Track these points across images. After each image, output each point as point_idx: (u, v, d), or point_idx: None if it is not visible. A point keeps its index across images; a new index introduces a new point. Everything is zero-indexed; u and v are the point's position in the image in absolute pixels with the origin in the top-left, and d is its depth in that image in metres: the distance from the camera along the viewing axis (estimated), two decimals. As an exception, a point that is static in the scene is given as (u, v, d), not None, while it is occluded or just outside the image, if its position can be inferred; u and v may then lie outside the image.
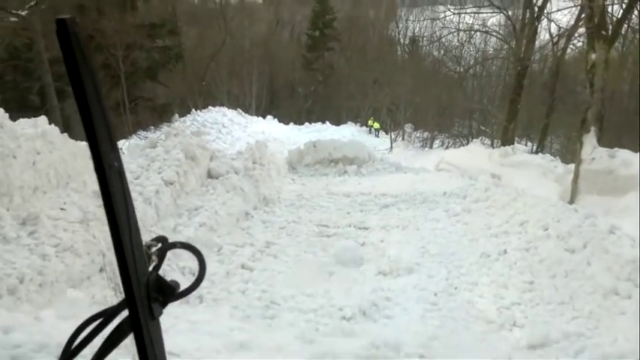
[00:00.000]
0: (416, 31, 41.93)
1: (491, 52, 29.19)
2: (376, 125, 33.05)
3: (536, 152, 20.09)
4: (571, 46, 22.41)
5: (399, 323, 5.14)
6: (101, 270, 5.07)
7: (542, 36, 22.80)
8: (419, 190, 10.60)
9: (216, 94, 36.37)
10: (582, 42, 17.98)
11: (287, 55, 45.17)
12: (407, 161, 17.26)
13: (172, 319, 3.82)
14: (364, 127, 34.50)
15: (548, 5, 19.74)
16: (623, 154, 11.22)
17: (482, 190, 10.09)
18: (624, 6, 13.97)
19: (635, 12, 16.10)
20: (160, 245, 0.81)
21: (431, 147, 29.19)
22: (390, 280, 6.29)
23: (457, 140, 29.51)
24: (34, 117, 6.73)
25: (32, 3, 11.65)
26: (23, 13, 9.01)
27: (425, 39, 36.14)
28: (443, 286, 6.12)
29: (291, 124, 33.94)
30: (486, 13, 23.47)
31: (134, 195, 6.80)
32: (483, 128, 29.04)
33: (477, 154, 17.59)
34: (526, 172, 13.90)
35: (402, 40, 44.92)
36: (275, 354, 3.62)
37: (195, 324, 4.04)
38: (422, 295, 5.86)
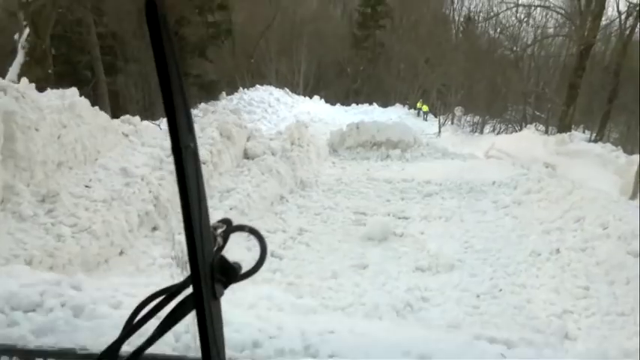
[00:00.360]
0: (472, 7, 40.22)
1: (551, 30, 27.51)
2: (425, 108, 32.02)
3: (595, 141, 18.83)
4: (640, 24, 20.82)
5: (434, 328, 4.68)
6: (121, 253, 4.83)
7: (609, 12, 21.26)
8: (466, 178, 9.98)
9: (264, 72, 36.18)
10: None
11: (337, 32, 44.36)
12: (455, 147, 16.52)
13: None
14: (412, 110, 33.55)
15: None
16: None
17: (535, 180, 9.40)
18: None
19: None
20: (225, 227, 0.82)
21: (481, 132, 28.02)
22: (428, 277, 5.82)
23: (509, 126, 28.19)
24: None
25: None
26: None
27: (481, 16, 34.56)
28: (487, 287, 5.59)
29: (338, 104, 33.43)
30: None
31: (165, 173, 6.58)
32: (538, 114, 27.62)
33: (530, 141, 16.60)
34: (584, 163, 12.93)
35: (456, 18, 43.27)
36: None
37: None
38: (462, 296, 5.36)
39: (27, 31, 8.00)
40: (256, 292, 3.84)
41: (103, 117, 6.57)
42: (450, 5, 43.95)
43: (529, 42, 27.32)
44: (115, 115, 16.14)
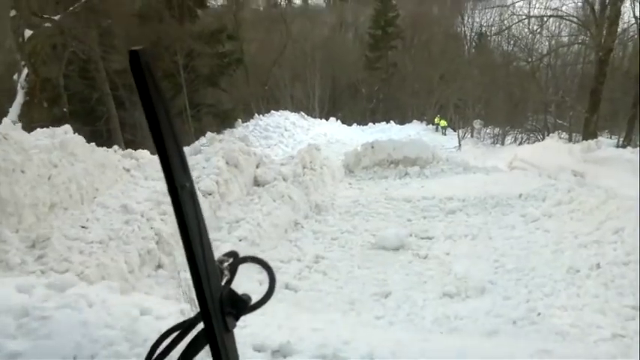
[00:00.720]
0: (483, 22, 39.86)
1: (565, 39, 26.92)
2: (443, 123, 31.55)
3: (624, 146, 18.11)
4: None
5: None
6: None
7: (626, 17, 20.66)
8: (490, 192, 9.45)
9: (279, 98, 36.35)
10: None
11: (350, 56, 44.50)
12: (476, 160, 15.97)
13: None
14: (430, 126, 33.12)
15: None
16: None
17: (565, 190, 8.84)
18: None
19: None
20: (231, 260, 0.84)
21: (502, 143, 27.39)
22: (457, 303, 5.30)
23: (531, 135, 27.52)
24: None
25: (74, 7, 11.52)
26: (56, 18, 8.75)
27: (493, 29, 34.12)
28: (523, 310, 5.04)
29: (355, 124, 33.18)
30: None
31: (168, 208, 6.23)
32: (560, 122, 26.93)
33: (554, 149, 15.98)
34: (614, 170, 12.27)
35: (467, 35, 43.01)
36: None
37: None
38: (497, 323, 4.83)
39: (25, 70, 7.88)
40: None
41: (101, 153, 6.26)
42: (460, 23, 43.79)
43: (544, 52, 26.79)
44: (128, 148, 16.17)
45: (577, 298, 5.26)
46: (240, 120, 27.60)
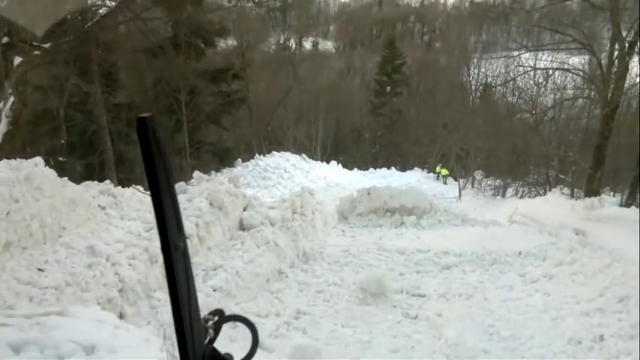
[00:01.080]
0: (488, 73, 40.17)
1: (570, 93, 26.87)
2: (444, 172, 31.28)
3: (628, 205, 17.68)
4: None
5: None
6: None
7: (633, 73, 20.58)
8: (488, 248, 9.01)
9: (282, 139, 36.34)
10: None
11: (355, 101, 44.85)
12: (476, 211, 15.58)
13: None
14: (432, 174, 32.87)
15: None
16: None
17: (567, 250, 8.39)
18: None
19: None
20: (216, 319, 0.86)
21: (503, 196, 26.97)
22: (445, 374, 4.81)
23: (533, 189, 27.15)
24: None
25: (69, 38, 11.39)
26: (46, 46, 8.60)
27: (498, 79, 34.26)
28: (518, 387, 4.56)
29: (356, 169, 33.01)
30: (566, 49, 21.63)
31: (138, 251, 5.82)
32: (562, 176, 26.60)
33: (556, 205, 15.55)
34: (618, 230, 11.78)
35: (473, 85, 43.32)
36: None
37: None
38: (488, 401, 4.35)
39: (12, 99, 7.65)
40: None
41: (73, 189, 5.88)
42: (466, 73, 44.21)
43: (548, 105, 26.71)
44: (120, 183, 15.84)
45: (579, 374, 4.78)
46: (240, 159, 27.44)
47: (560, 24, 20.91)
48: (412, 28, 78.89)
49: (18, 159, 5.71)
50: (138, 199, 7.33)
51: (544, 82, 26.10)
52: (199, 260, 6.36)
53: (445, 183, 30.34)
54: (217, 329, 0.86)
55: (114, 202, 6.84)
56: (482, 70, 41.81)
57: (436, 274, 7.93)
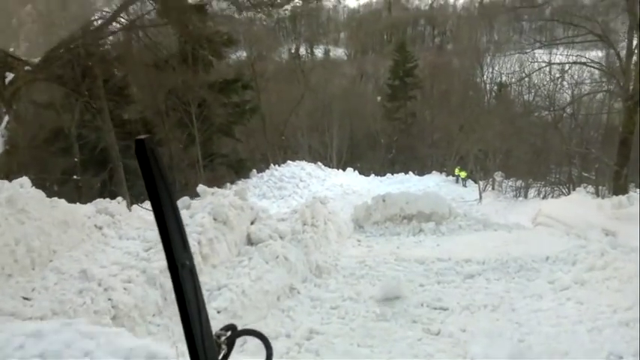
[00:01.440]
0: (502, 71, 39.46)
1: (588, 88, 26.07)
2: (463, 174, 30.63)
3: (657, 201, 16.91)
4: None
5: None
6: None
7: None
8: (513, 254, 8.49)
9: (296, 148, 36.13)
10: None
11: (368, 106, 44.45)
12: (498, 214, 15.03)
13: None
14: (450, 177, 32.23)
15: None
16: None
17: (598, 253, 7.84)
18: None
19: None
20: (229, 334, 0.87)
21: (525, 197, 26.19)
22: (472, 400, 4.35)
23: (556, 189, 26.33)
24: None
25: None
26: (36, 61, 8.38)
27: (513, 77, 33.55)
28: (555, 413, 4.08)
29: (373, 175, 32.54)
30: (582, 42, 20.97)
31: (135, 273, 5.47)
32: (586, 174, 25.77)
33: (582, 204, 14.88)
34: (651, 228, 11.19)
35: (487, 85, 42.61)
36: None
37: None
38: None
39: (7, 118, 7.42)
40: None
41: (64, 209, 5.55)
42: (480, 73, 43.55)
43: (566, 101, 25.96)
44: (133, 199, 15.62)
45: (623, 395, 4.27)
46: (255, 170, 27.21)
47: (573, 16, 20.31)
48: (423, 31, 78.37)
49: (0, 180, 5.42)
50: (138, 217, 7.00)
51: (560, 78, 25.40)
52: (203, 280, 5.99)
53: (464, 186, 29.73)
54: (230, 345, 0.85)
55: (111, 221, 6.51)
56: (496, 68, 41.17)
57: (458, 285, 7.45)
